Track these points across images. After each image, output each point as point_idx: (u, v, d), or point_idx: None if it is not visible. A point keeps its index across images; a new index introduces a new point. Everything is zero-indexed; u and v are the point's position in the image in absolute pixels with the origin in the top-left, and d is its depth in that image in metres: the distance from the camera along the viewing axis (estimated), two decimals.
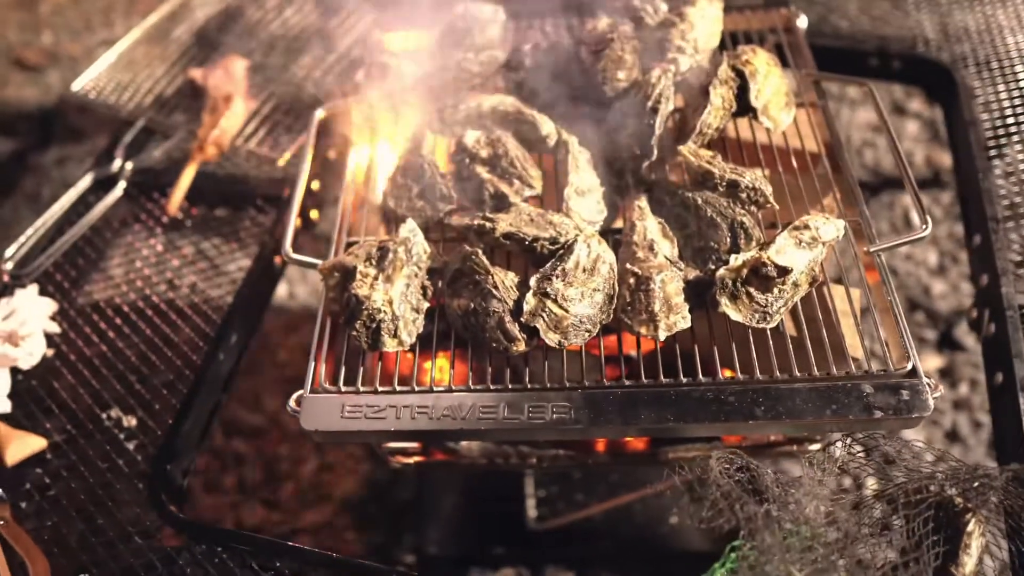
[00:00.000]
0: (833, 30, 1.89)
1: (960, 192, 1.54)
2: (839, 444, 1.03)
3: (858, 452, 1.01)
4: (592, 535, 1.77)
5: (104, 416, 1.21)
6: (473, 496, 1.85)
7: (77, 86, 1.70)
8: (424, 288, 1.07)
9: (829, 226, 1.09)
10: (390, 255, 1.05)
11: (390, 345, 1.02)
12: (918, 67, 1.74)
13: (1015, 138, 1.56)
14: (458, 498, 1.85)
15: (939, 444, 1.97)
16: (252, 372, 2.15)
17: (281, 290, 2.36)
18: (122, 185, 1.53)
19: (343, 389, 1.01)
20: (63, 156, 2.67)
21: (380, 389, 1.00)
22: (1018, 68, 1.69)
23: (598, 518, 1.77)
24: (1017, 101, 1.62)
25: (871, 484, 1.01)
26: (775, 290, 1.02)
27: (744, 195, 1.10)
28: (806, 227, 1.08)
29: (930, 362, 2.10)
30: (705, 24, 1.33)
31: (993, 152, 1.53)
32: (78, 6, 3.21)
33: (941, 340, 2.15)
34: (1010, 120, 1.59)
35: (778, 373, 1.00)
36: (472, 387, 1.00)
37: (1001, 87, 1.66)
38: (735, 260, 1.02)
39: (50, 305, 1.33)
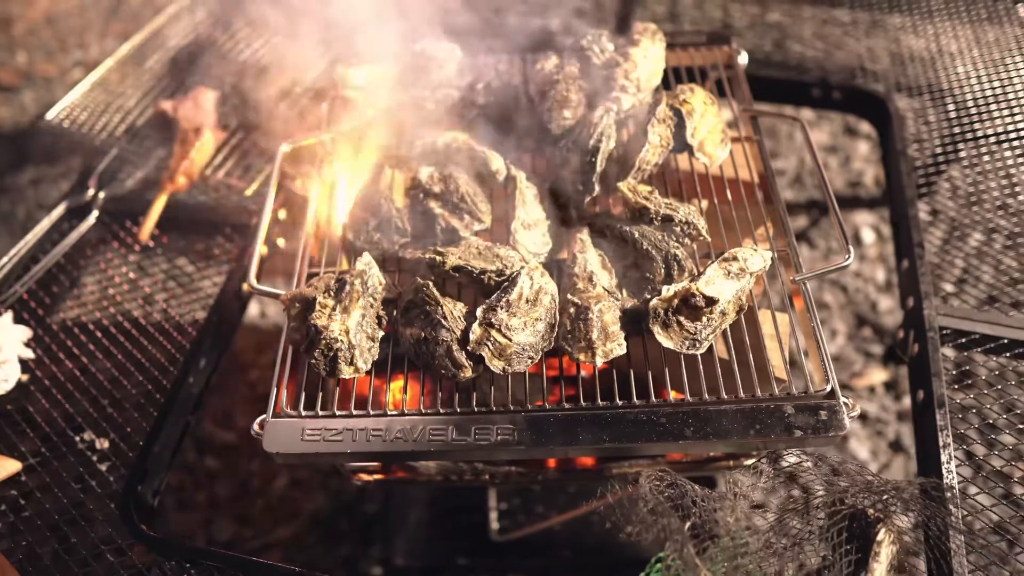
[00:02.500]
0: (781, 61, 1.99)
1: (891, 218, 1.64)
2: (764, 461, 1.12)
3: (785, 467, 1.10)
4: (552, 545, 1.84)
5: (77, 439, 1.27)
6: (438, 509, 1.92)
7: (52, 115, 1.76)
8: (379, 318, 1.14)
9: (756, 258, 1.17)
10: (347, 287, 1.12)
11: (346, 372, 1.09)
12: (856, 97, 1.84)
13: (942, 167, 1.67)
14: (424, 511, 1.92)
15: (884, 454, 2.07)
16: (224, 390, 2.21)
17: (253, 310, 2.42)
18: (95, 213, 1.58)
19: (303, 413, 1.08)
20: (38, 177, 2.71)
21: (338, 413, 1.08)
22: (947, 100, 1.80)
23: (557, 528, 1.85)
24: (947, 128, 1.73)
25: (795, 497, 1.10)
26: (704, 319, 1.10)
27: (678, 228, 1.19)
28: (735, 259, 1.16)
29: (876, 376, 2.21)
30: (648, 63, 1.42)
31: (921, 181, 1.63)
32: (52, 27, 3.25)
33: (887, 354, 2.25)
34: (938, 150, 1.70)
35: (707, 395, 1.08)
36: (423, 411, 1.07)
37: (933, 113, 1.77)
38: (667, 291, 1.11)
39: (25, 332, 1.39)
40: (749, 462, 1.34)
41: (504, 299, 1.10)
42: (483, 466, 1.36)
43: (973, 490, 1.19)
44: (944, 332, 1.37)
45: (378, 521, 1.94)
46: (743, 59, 1.57)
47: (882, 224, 2.57)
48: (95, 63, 1.87)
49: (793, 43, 2.04)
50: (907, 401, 2.17)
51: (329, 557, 1.90)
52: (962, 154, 1.70)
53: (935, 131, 1.75)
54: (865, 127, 2.81)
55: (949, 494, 1.15)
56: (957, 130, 1.73)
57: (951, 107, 1.78)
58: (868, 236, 2.52)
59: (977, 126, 1.74)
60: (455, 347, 1.07)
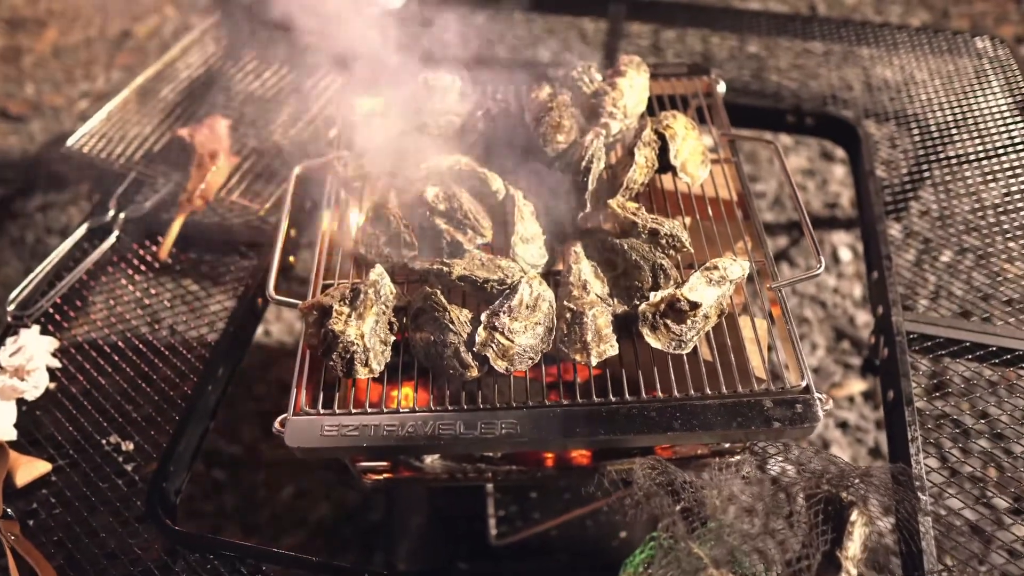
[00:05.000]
0: (758, 89, 2.13)
1: (862, 234, 1.77)
2: (748, 453, 1.22)
3: (766, 458, 1.20)
4: (548, 549, 1.92)
5: (104, 442, 1.35)
6: (438, 516, 1.99)
7: (72, 141, 1.85)
8: (391, 324, 1.24)
9: (735, 266, 1.28)
10: (361, 295, 1.22)
11: (362, 373, 1.18)
12: (827, 123, 1.98)
13: (913, 188, 1.80)
14: (425, 518, 1.99)
15: (864, 460, 2.17)
16: (230, 405, 2.29)
17: (258, 329, 2.51)
18: (115, 233, 1.68)
19: (322, 412, 1.17)
20: (46, 203, 2.80)
21: (354, 411, 1.17)
22: (912, 126, 1.94)
23: (553, 533, 1.93)
24: (919, 151, 1.87)
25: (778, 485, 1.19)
26: (688, 321, 1.21)
27: (664, 241, 1.30)
28: (715, 267, 1.27)
29: (855, 386, 2.32)
30: (633, 92, 1.54)
31: (892, 200, 1.76)
32: (60, 60, 3.37)
33: (864, 366, 2.36)
34: (912, 168, 1.83)
35: (693, 392, 1.18)
36: (433, 408, 1.17)
37: (905, 138, 1.90)
38: (654, 296, 1.21)
39: (52, 342, 1.47)
40: (735, 459, 1.43)
41: (506, 305, 1.20)
42: (485, 465, 1.44)
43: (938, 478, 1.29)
44: (911, 336, 1.48)
45: (381, 528, 2.01)
46: (721, 88, 1.70)
47: (858, 243, 2.70)
48: (102, 94, 1.98)
49: (770, 73, 2.18)
50: None
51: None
52: (930, 175, 1.83)
53: (905, 154, 1.88)
54: (841, 152, 2.96)
55: (917, 482, 1.25)
56: (923, 152, 1.87)
57: (916, 132, 1.92)
58: (845, 254, 2.65)
59: (941, 149, 1.88)
60: (462, 349, 1.17)
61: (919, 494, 1.24)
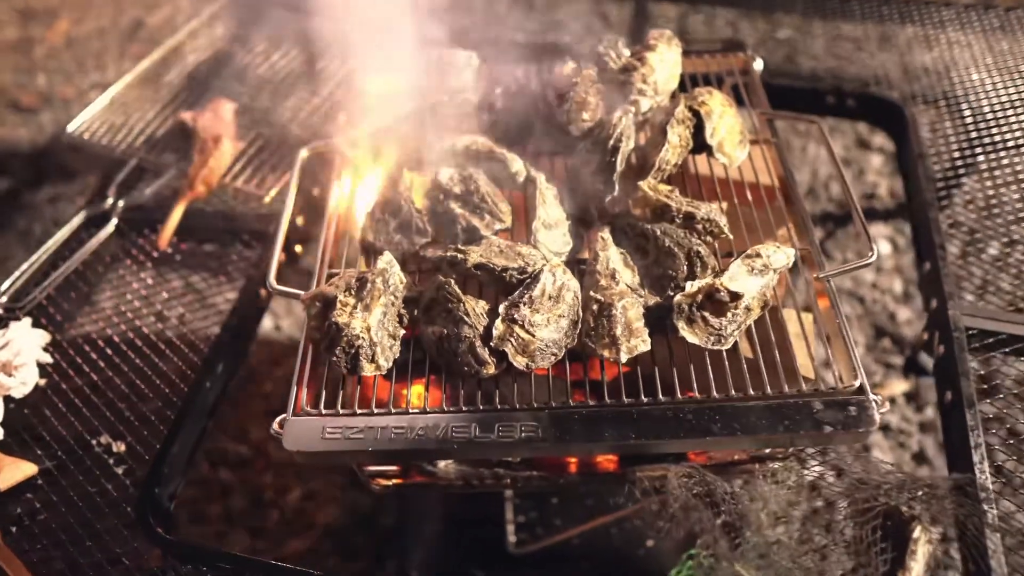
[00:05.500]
0: (795, 70, 2.00)
1: (912, 221, 1.63)
2: (794, 460, 1.10)
3: (813, 466, 1.08)
4: (570, 558, 1.81)
5: (94, 442, 1.26)
6: (454, 521, 1.89)
7: (72, 127, 1.77)
8: (400, 316, 1.13)
9: (779, 254, 1.16)
10: (368, 285, 1.12)
11: (368, 369, 1.08)
12: (871, 104, 1.84)
13: (961, 171, 1.66)
14: (439, 524, 1.89)
15: (908, 466, 2.04)
16: (238, 403, 2.20)
17: (267, 323, 2.42)
18: (114, 222, 1.59)
19: (324, 412, 1.07)
20: (55, 195, 2.74)
21: (359, 412, 1.06)
22: (963, 107, 1.80)
23: (576, 541, 1.81)
24: (963, 137, 1.73)
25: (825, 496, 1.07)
26: (728, 314, 1.09)
27: (700, 226, 1.18)
28: (758, 255, 1.15)
29: (896, 386, 2.18)
30: (664, 68, 1.42)
31: (940, 184, 1.62)
32: (71, 50, 3.31)
33: (907, 365, 2.22)
34: (956, 154, 1.70)
35: (733, 392, 1.06)
36: (446, 408, 1.06)
37: (948, 124, 1.76)
38: (691, 286, 1.10)
39: (43, 336, 1.38)
40: (774, 464, 1.31)
41: (527, 296, 1.09)
42: (504, 471, 1.33)
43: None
44: (970, 332, 1.35)
45: (393, 534, 1.91)
46: (758, 65, 1.58)
47: (897, 236, 2.56)
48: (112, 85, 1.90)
49: (804, 59, 2.05)
50: (929, 412, 2.14)
51: (344, 570, 1.87)
52: (975, 162, 1.69)
53: (947, 140, 1.74)
54: (878, 140, 2.81)
55: (983, 493, 1.12)
56: (966, 138, 1.72)
57: (961, 117, 1.77)
58: (884, 247, 2.50)
59: (987, 134, 1.73)
60: (478, 343, 1.06)
61: (985, 507, 1.11)
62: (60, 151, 2.78)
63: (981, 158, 1.69)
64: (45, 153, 2.86)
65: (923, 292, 1.49)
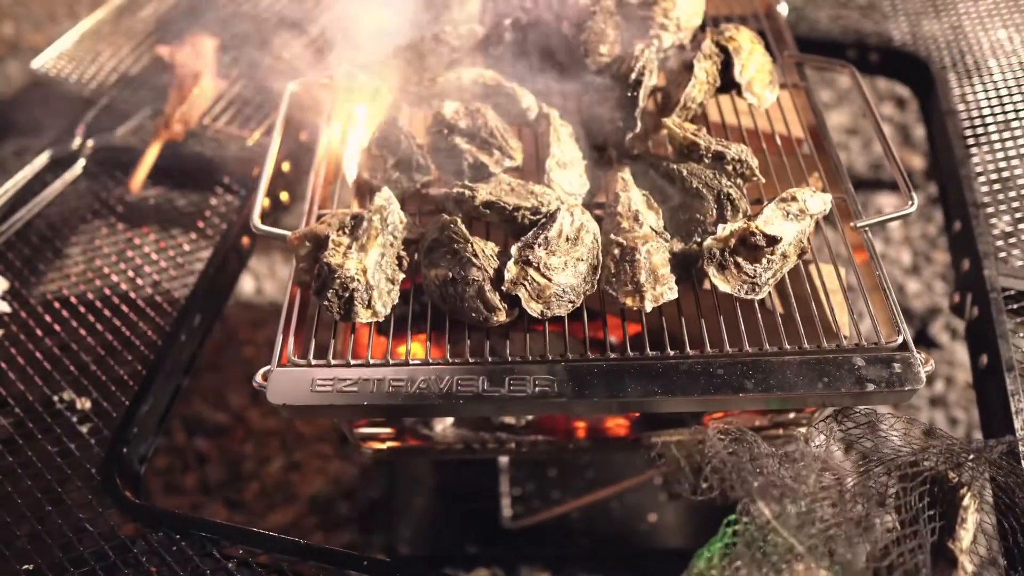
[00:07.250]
0: (810, 27, 1.90)
1: (939, 181, 1.54)
2: (834, 420, 1.01)
3: (851, 428, 0.99)
4: (568, 533, 1.72)
5: (56, 398, 1.14)
6: (446, 494, 1.79)
7: (38, 63, 1.64)
8: (400, 258, 1.02)
9: (816, 199, 1.06)
10: (364, 223, 1.00)
11: (363, 316, 0.96)
12: (895, 60, 1.75)
13: (991, 127, 1.56)
14: (430, 496, 1.79)
15: (917, 440, 1.96)
16: (216, 369, 2.07)
17: (248, 286, 2.29)
18: (82, 163, 1.46)
19: (313, 363, 0.96)
20: (22, 147, 2.57)
21: (353, 363, 0.95)
22: (991, 63, 1.70)
23: (575, 515, 1.72)
24: (992, 94, 1.63)
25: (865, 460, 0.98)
26: (764, 260, 0.99)
27: (730, 167, 1.08)
28: (793, 199, 1.05)
29: None
30: (687, 3, 1.31)
31: (971, 141, 1.53)
32: None
33: (916, 338, 2.15)
34: (986, 111, 1.60)
35: (768, 346, 0.96)
36: (451, 360, 0.95)
37: (976, 80, 1.66)
38: (723, 230, 0.99)
39: (2, 283, 1.25)
40: (802, 429, 1.22)
41: (542, 236, 0.98)
42: (507, 434, 1.23)
43: None
44: (1007, 294, 1.26)
45: (381, 506, 1.80)
46: (783, 8, 1.48)
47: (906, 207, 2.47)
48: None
49: (818, 13, 1.94)
50: (939, 386, 2.07)
51: (328, 544, 1.76)
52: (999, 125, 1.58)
53: (967, 104, 1.64)
54: (887, 109, 2.72)
55: None
56: (987, 104, 1.62)
57: (986, 76, 1.67)
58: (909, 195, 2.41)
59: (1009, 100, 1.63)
60: (488, 287, 0.95)
61: None
62: (29, 101, 2.61)
63: (1011, 115, 1.59)
64: (12, 103, 2.69)
65: (953, 253, 1.41)
